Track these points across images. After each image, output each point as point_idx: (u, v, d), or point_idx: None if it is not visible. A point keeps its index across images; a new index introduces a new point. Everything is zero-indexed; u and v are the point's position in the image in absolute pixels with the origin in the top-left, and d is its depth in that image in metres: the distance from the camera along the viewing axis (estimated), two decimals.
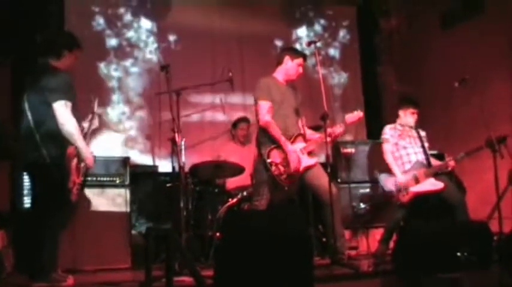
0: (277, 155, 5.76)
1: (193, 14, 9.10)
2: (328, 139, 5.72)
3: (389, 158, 6.79)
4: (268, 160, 5.73)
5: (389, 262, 5.59)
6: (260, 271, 3.99)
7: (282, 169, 5.72)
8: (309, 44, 6.14)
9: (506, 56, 7.75)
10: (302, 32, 9.89)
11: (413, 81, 9.35)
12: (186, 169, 6.66)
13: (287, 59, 6.02)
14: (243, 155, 7.42)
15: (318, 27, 10.00)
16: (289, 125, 5.90)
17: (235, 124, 7.96)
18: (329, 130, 5.76)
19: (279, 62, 6.07)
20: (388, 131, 6.91)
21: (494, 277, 4.93)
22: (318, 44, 6.07)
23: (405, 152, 6.79)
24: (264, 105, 5.83)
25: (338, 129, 5.93)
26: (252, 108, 6.19)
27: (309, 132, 6.08)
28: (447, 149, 7.08)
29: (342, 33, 10.11)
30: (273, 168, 5.71)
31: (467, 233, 5.11)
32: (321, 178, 5.78)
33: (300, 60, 6.00)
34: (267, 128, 5.79)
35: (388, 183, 6.69)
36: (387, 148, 6.83)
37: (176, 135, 5.77)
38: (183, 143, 6.35)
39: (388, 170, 6.78)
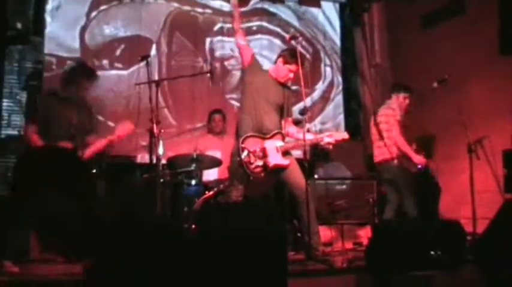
0: (252, 144, 5.79)
1: None
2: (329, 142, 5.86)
3: (401, 141, 6.88)
4: (242, 145, 5.76)
5: (363, 257, 5.61)
6: (234, 264, 3.99)
7: (253, 158, 5.74)
8: (290, 38, 6.16)
9: (485, 57, 7.80)
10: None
11: (393, 79, 9.38)
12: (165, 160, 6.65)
13: (280, 60, 6.08)
14: (220, 147, 7.43)
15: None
16: (266, 121, 5.90)
17: (210, 116, 7.94)
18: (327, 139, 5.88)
19: (275, 61, 6.17)
20: (389, 112, 7.02)
21: (466, 277, 4.96)
22: (300, 39, 6.10)
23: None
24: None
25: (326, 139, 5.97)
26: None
27: (292, 131, 6.12)
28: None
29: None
30: (244, 154, 5.73)
31: (440, 231, 5.13)
32: (296, 176, 5.81)
33: (292, 66, 5.99)
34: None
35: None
36: (397, 130, 6.92)
37: (154, 126, 5.75)
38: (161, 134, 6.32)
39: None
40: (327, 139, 5.94)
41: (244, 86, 6.06)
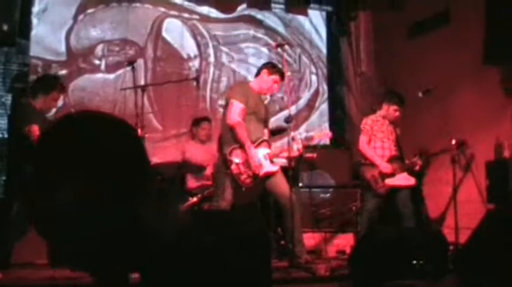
0: (239, 155, 5.79)
1: None
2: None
3: (365, 148, 6.77)
4: (229, 158, 5.75)
5: (346, 266, 5.63)
6: (218, 272, 3.99)
7: (242, 168, 5.75)
8: (277, 46, 6.18)
9: (470, 66, 7.83)
10: None
11: (379, 88, 9.42)
12: None
13: (264, 72, 6.06)
14: (203, 154, 7.43)
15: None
16: (254, 132, 5.91)
17: (197, 123, 7.89)
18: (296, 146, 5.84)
19: (257, 73, 6.14)
20: (369, 123, 6.90)
21: (448, 285, 4.99)
22: (286, 47, 6.12)
23: (381, 145, 6.82)
24: (237, 105, 5.85)
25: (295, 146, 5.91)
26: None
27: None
28: (410, 156, 7.12)
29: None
30: (233, 166, 5.73)
31: (423, 241, 5.16)
32: (282, 185, 5.84)
33: (276, 77, 6.01)
34: (235, 128, 5.80)
35: (367, 174, 6.73)
36: (364, 139, 6.81)
37: (139, 131, 5.75)
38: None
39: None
40: (315, 138, 6.02)
41: None
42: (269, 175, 5.83)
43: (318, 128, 9.64)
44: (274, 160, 5.98)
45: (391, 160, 6.71)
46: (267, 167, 5.83)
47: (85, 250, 3.47)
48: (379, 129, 6.84)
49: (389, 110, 6.89)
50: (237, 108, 5.84)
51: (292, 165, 5.86)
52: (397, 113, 6.91)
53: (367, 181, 6.68)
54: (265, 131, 6.12)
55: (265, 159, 5.83)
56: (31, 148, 5.33)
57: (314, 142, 6.09)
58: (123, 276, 3.65)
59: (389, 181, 6.62)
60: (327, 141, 7.85)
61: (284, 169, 5.94)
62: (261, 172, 5.78)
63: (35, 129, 5.46)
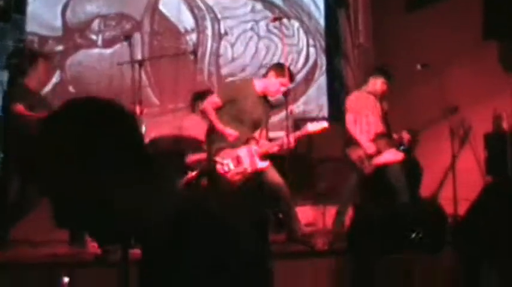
0: (224, 155, 5.76)
1: None
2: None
3: (352, 127, 6.67)
4: (215, 158, 5.74)
5: (344, 239, 5.64)
6: (215, 247, 4.00)
7: (227, 168, 5.71)
8: (274, 19, 6.12)
9: (469, 41, 7.81)
10: None
11: (375, 61, 9.39)
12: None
13: (272, 74, 5.90)
14: (204, 127, 7.37)
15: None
16: (243, 134, 5.83)
17: (201, 96, 7.75)
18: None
19: (265, 74, 6.01)
20: (353, 100, 6.85)
21: (446, 259, 5.01)
22: (284, 20, 6.06)
23: (366, 121, 6.77)
24: (214, 100, 5.85)
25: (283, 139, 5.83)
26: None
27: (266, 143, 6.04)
28: (404, 129, 7.10)
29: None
30: (218, 167, 5.71)
31: (421, 214, 5.17)
32: (274, 178, 5.77)
33: (284, 80, 5.83)
34: (205, 111, 5.85)
35: (353, 154, 6.69)
36: (350, 118, 6.72)
37: (137, 107, 5.74)
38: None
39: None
40: (308, 129, 5.90)
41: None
42: (260, 171, 5.79)
43: (315, 101, 9.64)
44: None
45: (377, 137, 6.66)
46: (256, 163, 5.77)
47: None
48: (363, 105, 6.75)
49: (377, 83, 6.81)
50: (212, 102, 5.86)
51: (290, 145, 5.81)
52: (385, 87, 6.83)
53: (353, 161, 6.66)
54: (258, 132, 6.02)
55: (253, 156, 5.77)
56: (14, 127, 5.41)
57: (307, 131, 5.96)
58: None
59: (376, 160, 6.59)
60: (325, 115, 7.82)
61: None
62: (248, 170, 5.72)
63: (19, 108, 5.47)
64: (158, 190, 3.91)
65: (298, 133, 5.89)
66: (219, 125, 5.73)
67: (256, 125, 5.97)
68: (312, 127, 5.91)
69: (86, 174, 3.17)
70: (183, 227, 3.99)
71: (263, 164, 5.79)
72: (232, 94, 5.86)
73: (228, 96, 5.83)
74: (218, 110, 5.81)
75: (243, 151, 5.75)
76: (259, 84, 5.94)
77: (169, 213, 3.85)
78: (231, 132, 5.71)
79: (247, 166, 5.72)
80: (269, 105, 6.06)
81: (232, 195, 4.67)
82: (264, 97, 5.97)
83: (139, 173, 3.49)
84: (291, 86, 5.97)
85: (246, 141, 5.82)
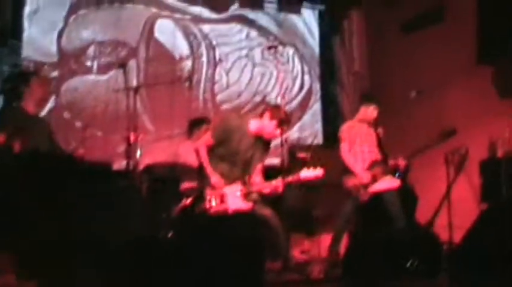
0: (209, 192, 5.71)
1: None
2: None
3: (347, 157, 6.71)
4: (204, 195, 5.71)
5: (340, 266, 5.62)
6: (211, 273, 3.98)
7: (208, 205, 5.66)
8: (269, 48, 6.13)
9: (464, 64, 7.84)
10: None
11: (371, 86, 9.43)
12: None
13: (267, 115, 5.74)
14: None
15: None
16: (231, 171, 5.80)
17: (197, 124, 7.70)
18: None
19: (261, 114, 5.84)
20: (346, 130, 6.87)
21: (442, 285, 5.00)
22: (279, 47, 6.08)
23: (360, 149, 6.79)
24: (207, 139, 5.80)
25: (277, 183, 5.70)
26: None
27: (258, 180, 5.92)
28: (401, 154, 7.11)
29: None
30: (207, 203, 5.67)
31: (416, 241, 5.16)
32: (261, 210, 5.71)
33: (279, 122, 5.70)
34: (197, 152, 5.80)
35: (348, 183, 6.68)
36: (344, 148, 6.75)
37: (131, 133, 5.73)
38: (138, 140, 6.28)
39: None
40: (301, 176, 5.70)
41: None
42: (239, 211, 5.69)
43: (310, 127, 9.66)
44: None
45: (373, 165, 6.67)
46: (238, 204, 5.65)
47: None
48: (356, 134, 6.79)
49: (368, 110, 6.85)
50: (206, 140, 5.80)
51: (285, 164, 5.80)
52: (376, 112, 6.85)
53: (348, 190, 6.66)
54: (253, 167, 5.88)
55: (237, 196, 5.68)
56: None
57: (299, 178, 5.86)
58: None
59: (372, 188, 6.58)
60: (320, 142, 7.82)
61: (277, 168, 5.85)
62: (229, 209, 5.62)
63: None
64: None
65: (290, 179, 5.69)
66: (208, 169, 5.69)
67: (248, 164, 5.84)
68: (304, 174, 5.69)
69: None
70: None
71: (245, 205, 5.66)
72: (227, 135, 5.73)
73: (222, 136, 5.73)
74: (210, 148, 5.77)
75: (229, 190, 5.67)
76: (254, 125, 5.80)
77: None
78: (216, 180, 5.66)
79: (229, 205, 5.62)
80: (266, 143, 5.91)
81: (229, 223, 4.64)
82: (260, 137, 5.84)
83: None
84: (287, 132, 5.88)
85: (235, 181, 5.74)
